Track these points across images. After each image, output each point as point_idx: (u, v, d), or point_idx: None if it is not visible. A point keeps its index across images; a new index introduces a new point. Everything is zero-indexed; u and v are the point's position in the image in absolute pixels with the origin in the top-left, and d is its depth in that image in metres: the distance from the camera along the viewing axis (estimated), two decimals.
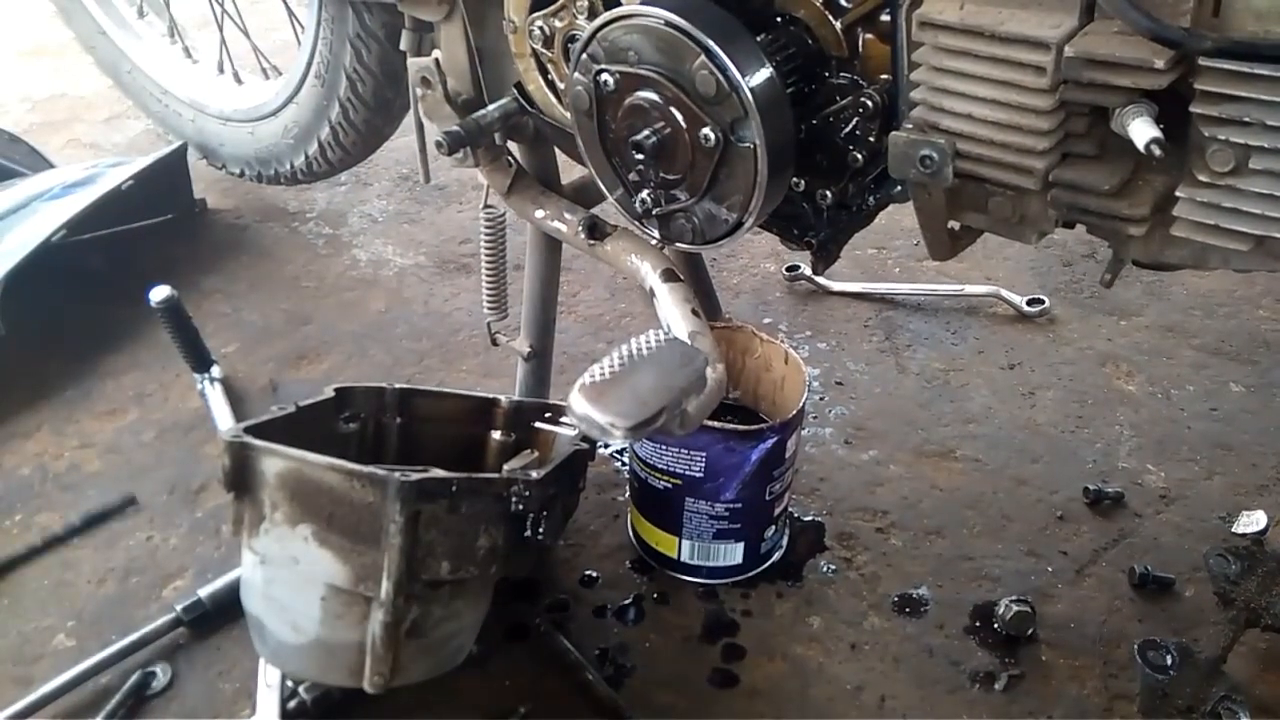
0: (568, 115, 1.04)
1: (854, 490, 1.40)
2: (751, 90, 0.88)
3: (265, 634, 1.03)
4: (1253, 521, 1.19)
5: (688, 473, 1.19)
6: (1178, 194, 0.80)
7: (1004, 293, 1.75)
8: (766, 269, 1.86)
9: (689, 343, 0.98)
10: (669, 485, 1.21)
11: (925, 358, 1.65)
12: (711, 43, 0.87)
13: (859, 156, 0.96)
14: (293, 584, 0.99)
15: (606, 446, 1.43)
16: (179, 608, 1.19)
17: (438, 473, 0.99)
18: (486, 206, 1.28)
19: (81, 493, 1.41)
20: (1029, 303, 1.73)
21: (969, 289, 1.78)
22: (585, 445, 1.18)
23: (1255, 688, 1.12)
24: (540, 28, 1.05)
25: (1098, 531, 1.33)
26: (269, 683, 1.11)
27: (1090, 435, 1.49)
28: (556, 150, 1.25)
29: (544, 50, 1.07)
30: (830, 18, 0.95)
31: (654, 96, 0.93)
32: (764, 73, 0.89)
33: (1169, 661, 1.03)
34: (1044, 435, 1.49)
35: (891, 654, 1.19)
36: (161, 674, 1.16)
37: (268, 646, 1.04)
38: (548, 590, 1.26)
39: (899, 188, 0.98)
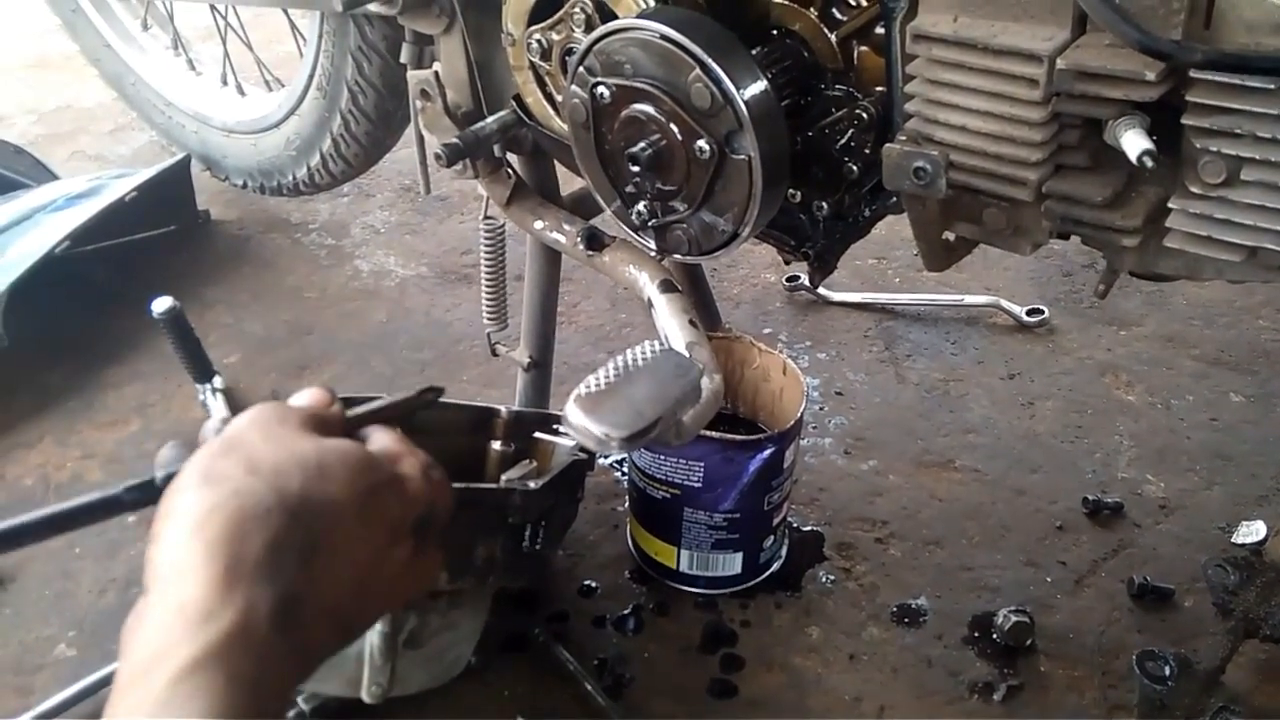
0: (565, 127, 1.05)
1: (853, 500, 1.40)
2: (746, 103, 0.88)
3: None
4: (1252, 532, 1.19)
5: (686, 483, 1.19)
6: (1170, 205, 0.80)
7: (1004, 303, 1.75)
8: (767, 279, 1.87)
9: (686, 353, 0.98)
10: (668, 495, 1.21)
11: (925, 368, 1.65)
12: (706, 56, 0.88)
13: (854, 168, 0.97)
14: None
15: (606, 457, 1.43)
16: None
17: None
18: (486, 218, 1.29)
19: None
20: (1028, 313, 1.73)
21: (969, 299, 1.78)
22: (584, 455, 1.18)
23: (1254, 698, 1.12)
24: (538, 41, 1.06)
25: (1097, 542, 1.33)
26: None
27: (1090, 445, 1.49)
28: (555, 162, 1.26)
29: (542, 63, 1.08)
30: (825, 31, 0.95)
31: (650, 109, 0.93)
32: (759, 85, 0.90)
33: (1167, 672, 1.03)
34: (1043, 445, 1.49)
35: (890, 664, 1.18)
36: None
37: None
38: (546, 600, 1.26)
39: (894, 199, 0.99)
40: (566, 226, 1.21)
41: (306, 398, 0.61)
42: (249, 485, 0.51)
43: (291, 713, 1.10)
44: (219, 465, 0.53)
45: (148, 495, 0.58)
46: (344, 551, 0.53)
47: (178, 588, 0.49)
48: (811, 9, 0.96)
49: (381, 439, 0.61)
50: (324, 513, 0.52)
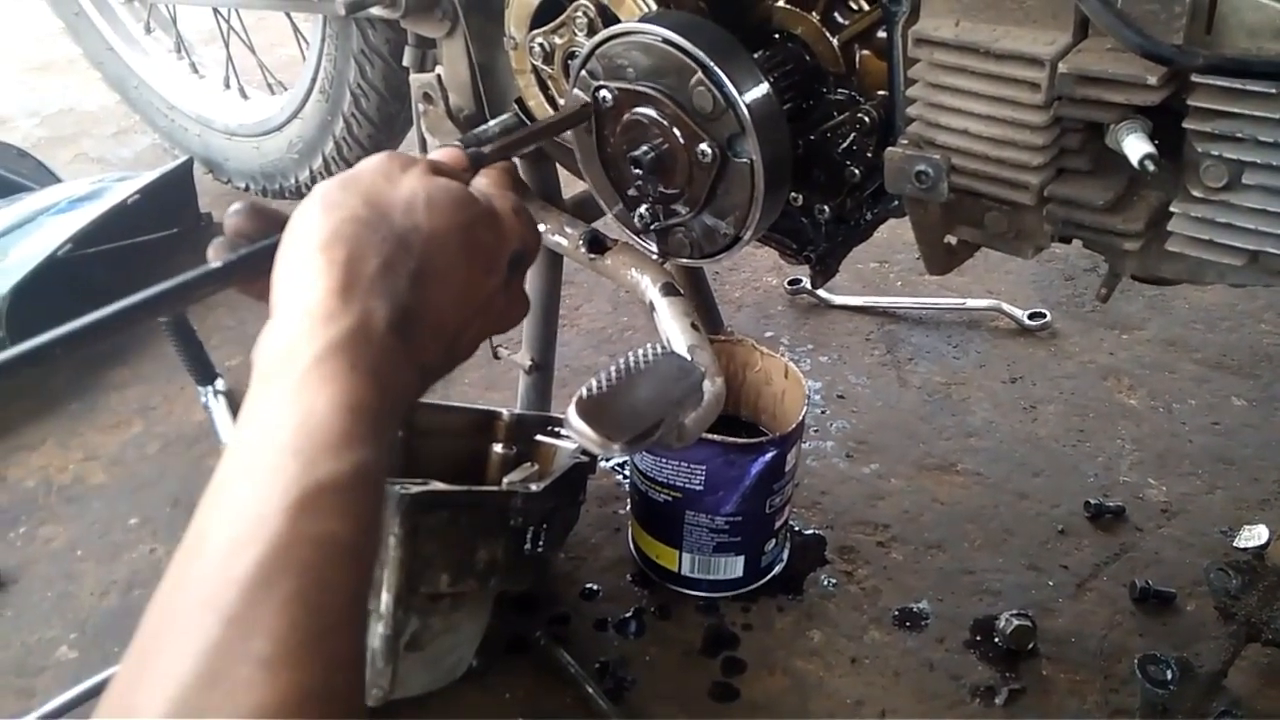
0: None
1: (855, 504, 1.40)
2: (748, 106, 0.88)
3: None
4: (1254, 536, 1.19)
5: (688, 486, 1.19)
6: (1172, 209, 0.80)
7: (1005, 306, 1.75)
8: (769, 283, 1.87)
9: (688, 356, 0.98)
10: (669, 498, 1.21)
11: (927, 371, 1.65)
12: (708, 60, 0.88)
13: (856, 171, 0.97)
14: None
15: (607, 460, 1.43)
16: None
17: (438, 486, 1.00)
18: None
19: (86, 505, 1.42)
20: (1030, 316, 1.73)
21: (970, 303, 1.78)
22: (585, 458, 1.18)
23: (1256, 702, 1.11)
24: (540, 44, 1.06)
25: (1099, 546, 1.33)
26: None
27: (1091, 449, 1.49)
28: (558, 165, 1.26)
29: (544, 66, 1.08)
30: (827, 34, 0.96)
31: (652, 112, 0.93)
32: (760, 89, 0.90)
33: (1169, 676, 1.03)
34: (1045, 449, 1.49)
35: (892, 668, 1.18)
36: None
37: None
38: (548, 603, 1.26)
39: (896, 202, 0.99)
40: (569, 229, 1.21)
41: (442, 153, 0.68)
42: (366, 214, 0.57)
43: None
44: (340, 195, 0.58)
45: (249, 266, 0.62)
46: (447, 277, 0.58)
47: (303, 296, 0.54)
48: (813, 13, 0.96)
49: (481, 181, 0.67)
50: (430, 241, 0.58)
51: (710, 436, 1.13)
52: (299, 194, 1.84)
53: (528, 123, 1.15)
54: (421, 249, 0.58)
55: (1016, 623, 1.19)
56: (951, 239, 0.95)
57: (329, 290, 0.54)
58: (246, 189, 1.95)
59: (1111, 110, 0.77)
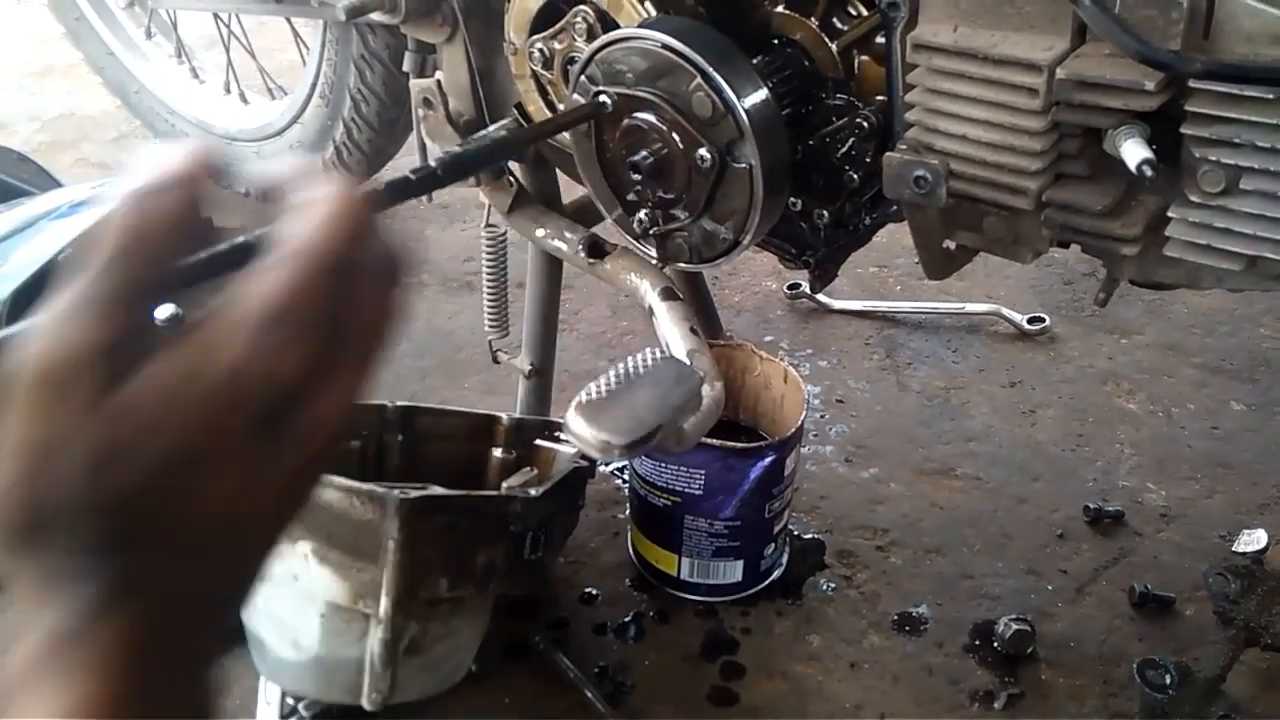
0: (567, 136, 1.05)
1: (854, 508, 1.40)
2: (747, 111, 0.89)
3: (265, 651, 1.04)
4: (1253, 540, 1.20)
5: (687, 490, 1.19)
6: (1170, 214, 0.80)
7: (1005, 311, 1.75)
8: (768, 287, 1.87)
9: (687, 361, 0.98)
10: (668, 503, 1.21)
11: (926, 376, 1.65)
12: (707, 65, 0.88)
13: (855, 176, 0.97)
14: (292, 601, 0.99)
15: (606, 464, 1.44)
16: None
17: (437, 490, 1.00)
18: (488, 226, 1.29)
19: None
20: (1030, 321, 1.73)
21: (970, 307, 1.78)
22: (585, 463, 1.19)
23: (1255, 707, 1.11)
24: (540, 49, 1.06)
25: (1098, 550, 1.33)
26: (268, 700, 1.11)
27: (1091, 453, 1.49)
28: (557, 170, 1.26)
29: (544, 72, 1.08)
30: (826, 40, 0.96)
31: (651, 118, 0.94)
32: (760, 94, 0.90)
33: (1168, 680, 1.03)
34: (1044, 453, 1.49)
35: (891, 673, 1.18)
36: None
37: (267, 664, 1.05)
38: (547, 608, 1.26)
39: (895, 207, 0.99)
40: (568, 234, 1.21)
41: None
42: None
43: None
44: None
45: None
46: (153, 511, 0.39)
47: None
48: (812, 18, 0.97)
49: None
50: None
51: (709, 441, 1.13)
52: None
53: (526, 127, 1.16)
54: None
55: (1015, 627, 1.18)
56: (950, 244, 0.95)
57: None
58: (247, 194, 1.95)
59: (1109, 115, 0.77)
